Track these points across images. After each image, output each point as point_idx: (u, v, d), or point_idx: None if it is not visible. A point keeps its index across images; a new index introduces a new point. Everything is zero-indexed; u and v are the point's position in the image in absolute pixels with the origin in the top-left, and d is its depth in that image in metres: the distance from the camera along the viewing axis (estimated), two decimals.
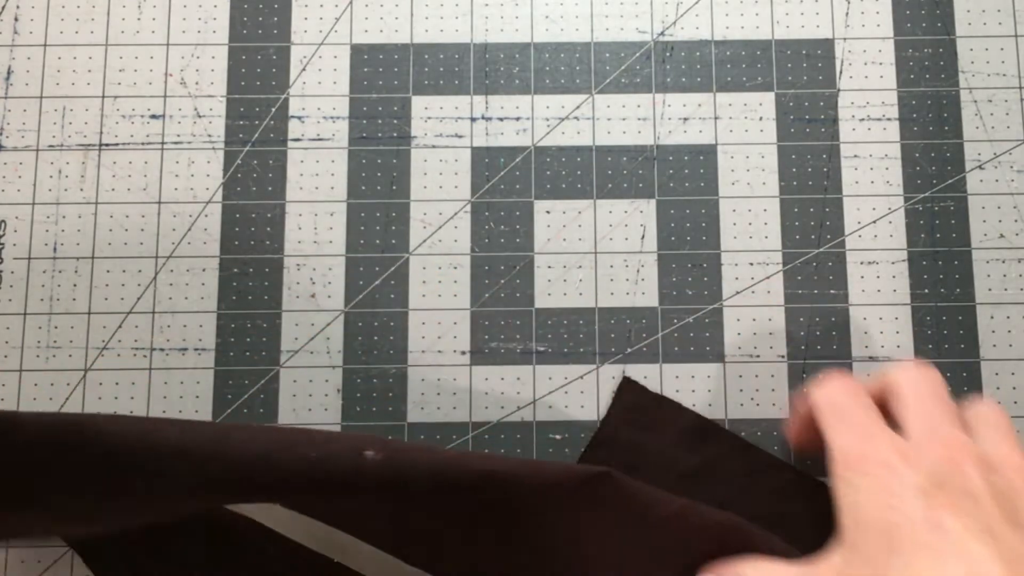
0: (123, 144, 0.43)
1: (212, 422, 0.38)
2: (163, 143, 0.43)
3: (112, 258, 0.42)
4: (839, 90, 0.44)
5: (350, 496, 0.29)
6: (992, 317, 0.42)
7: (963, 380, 0.41)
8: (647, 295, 0.42)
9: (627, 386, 0.41)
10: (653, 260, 0.42)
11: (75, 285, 0.42)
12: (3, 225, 0.42)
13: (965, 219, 0.42)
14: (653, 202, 0.43)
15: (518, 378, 0.41)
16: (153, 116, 0.43)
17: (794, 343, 0.42)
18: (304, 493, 0.29)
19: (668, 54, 0.44)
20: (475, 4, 0.44)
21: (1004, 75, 0.44)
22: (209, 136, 0.43)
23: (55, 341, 0.41)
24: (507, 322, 0.42)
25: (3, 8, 0.44)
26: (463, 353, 0.42)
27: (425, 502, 0.30)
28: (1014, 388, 0.41)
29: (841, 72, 0.44)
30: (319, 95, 0.44)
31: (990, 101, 0.43)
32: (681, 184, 0.43)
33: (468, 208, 0.43)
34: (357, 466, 0.28)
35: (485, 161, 0.43)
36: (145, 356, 0.41)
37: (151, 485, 0.29)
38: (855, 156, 0.43)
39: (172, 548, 0.38)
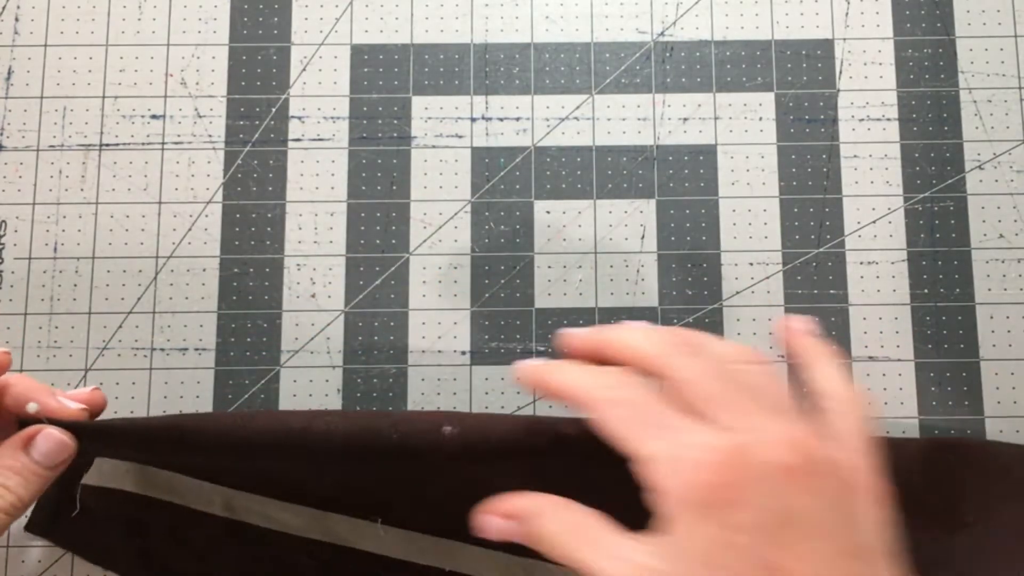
0: (123, 144, 0.43)
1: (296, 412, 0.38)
2: (163, 143, 0.43)
3: (112, 258, 0.42)
4: (839, 90, 0.44)
5: (434, 469, 0.32)
6: (992, 317, 0.42)
7: (963, 380, 0.41)
8: (647, 295, 0.42)
9: None
10: (653, 260, 0.42)
11: (75, 285, 0.42)
12: (3, 225, 0.42)
13: (965, 219, 0.42)
14: (653, 202, 0.43)
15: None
16: (153, 116, 0.43)
17: None
18: (392, 459, 0.31)
19: (668, 54, 0.44)
20: (475, 4, 0.44)
21: (1004, 75, 0.44)
22: (209, 136, 0.43)
23: (55, 341, 0.41)
24: (507, 322, 0.42)
25: (3, 8, 0.44)
26: (463, 353, 0.42)
27: (502, 468, 0.31)
28: (1014, 388, 0.41)
29: (841, 72, 0.44)
30: (319, 95, 0.44)
31: (990, 101, 0.43)
32: (681, 184, 0.43)
33: (468, 208, 0.43)
34: (438, 441, 0.30)
35: (485, 161, 0.43)
36: (145, 356, 0.41)
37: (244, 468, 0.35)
38: (855, 156, 0.43)
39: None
